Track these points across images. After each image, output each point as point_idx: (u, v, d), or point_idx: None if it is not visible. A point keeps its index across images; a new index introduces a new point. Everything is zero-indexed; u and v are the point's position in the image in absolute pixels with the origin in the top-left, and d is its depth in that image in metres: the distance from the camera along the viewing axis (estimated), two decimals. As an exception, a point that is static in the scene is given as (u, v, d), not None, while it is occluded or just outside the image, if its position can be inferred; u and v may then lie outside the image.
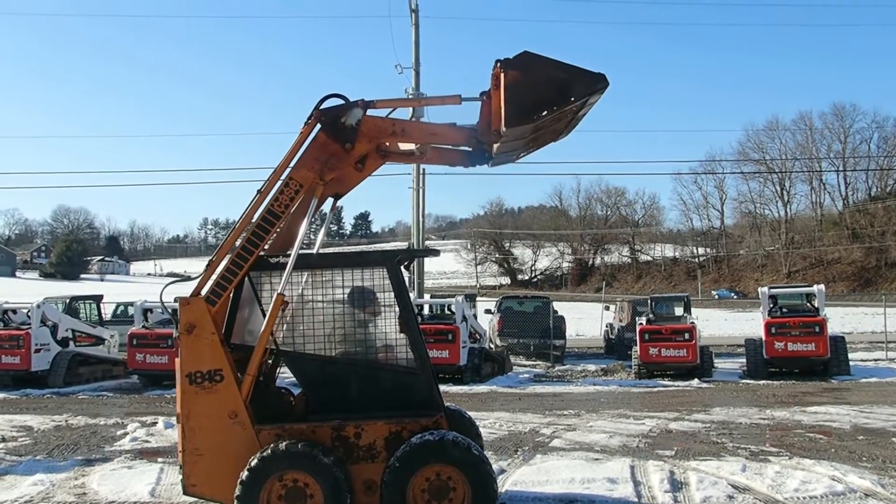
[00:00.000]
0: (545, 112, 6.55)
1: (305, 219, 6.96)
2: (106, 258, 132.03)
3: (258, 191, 6.85)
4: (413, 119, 6.95)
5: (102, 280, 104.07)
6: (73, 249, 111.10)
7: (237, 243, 6.76)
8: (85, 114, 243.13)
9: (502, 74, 6.46)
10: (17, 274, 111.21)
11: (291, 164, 6.82)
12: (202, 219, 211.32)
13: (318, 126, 6.81)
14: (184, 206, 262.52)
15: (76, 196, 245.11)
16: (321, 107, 6.85)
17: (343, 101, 6.90)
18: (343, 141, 6.76)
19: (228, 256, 6.77)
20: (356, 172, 7.03)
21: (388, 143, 7.10)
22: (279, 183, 6.81)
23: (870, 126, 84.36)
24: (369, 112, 6.87)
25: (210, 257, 6.91)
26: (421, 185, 30.58)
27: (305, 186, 6.74)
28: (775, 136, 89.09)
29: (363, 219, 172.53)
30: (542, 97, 6.47)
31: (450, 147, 7.19)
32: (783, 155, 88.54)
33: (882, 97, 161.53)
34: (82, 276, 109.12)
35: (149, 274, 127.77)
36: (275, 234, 6.86)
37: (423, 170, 30.73)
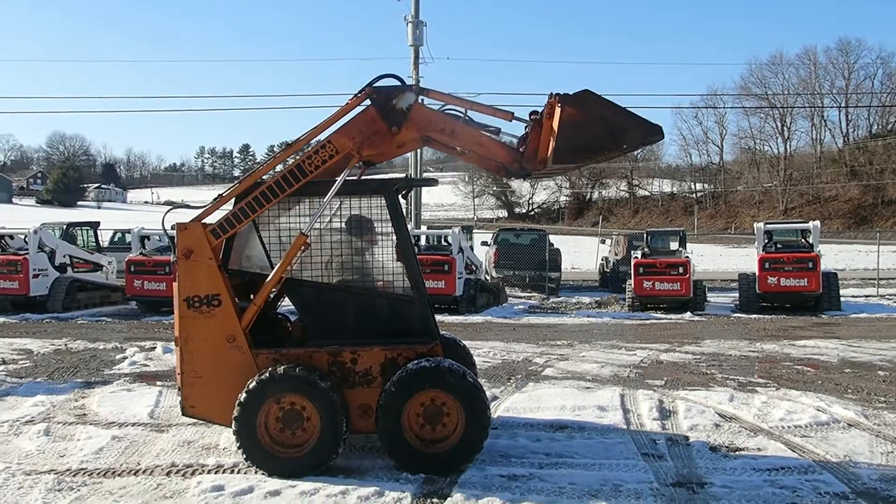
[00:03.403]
0: (595, 155, 6.69)
1: (334, 184, 6.83)
2: (102, 186, 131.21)
3: (288, 143, 6.82)
4: (464, 120, 6.82)
5: (99, 207, 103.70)
6: (70, 176, 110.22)
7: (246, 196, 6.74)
8: (80, 40, 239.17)
9: (559, 108, 6.36)
10: (14, 200, 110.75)
11: (332, 128, 6.76)
12: (199, 147, 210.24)
13: (368, 102, 6.71)
14: (180, 134, 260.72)
15: (71, 122, 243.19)
16: (375, 84, 6.75)
17: (398, 83, 6.82)
18: (391, 123, 6.67)
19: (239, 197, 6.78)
20: (394, 149, 6.97)
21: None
22: (315, 142, 6.76)
23: (874, 62, 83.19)
24: (422, 100, 6.78)
25: (220, 190, 6.89)
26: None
27: (341, 153, 6.66)
28: (778, 71, 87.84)
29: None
30: (595, 140, 6.45)
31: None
32: (785, 90, 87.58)
33: (888, 32, 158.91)
34: (79, 203, 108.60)
35: (146, 202, 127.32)
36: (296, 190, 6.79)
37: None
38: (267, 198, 6.62)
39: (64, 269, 20.59)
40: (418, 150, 29.94)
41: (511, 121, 6.89)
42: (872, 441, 7.53)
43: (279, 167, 7.10)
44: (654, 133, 6.63)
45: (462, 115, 6.86)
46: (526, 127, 6.81)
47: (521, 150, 6.78)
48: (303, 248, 6.61)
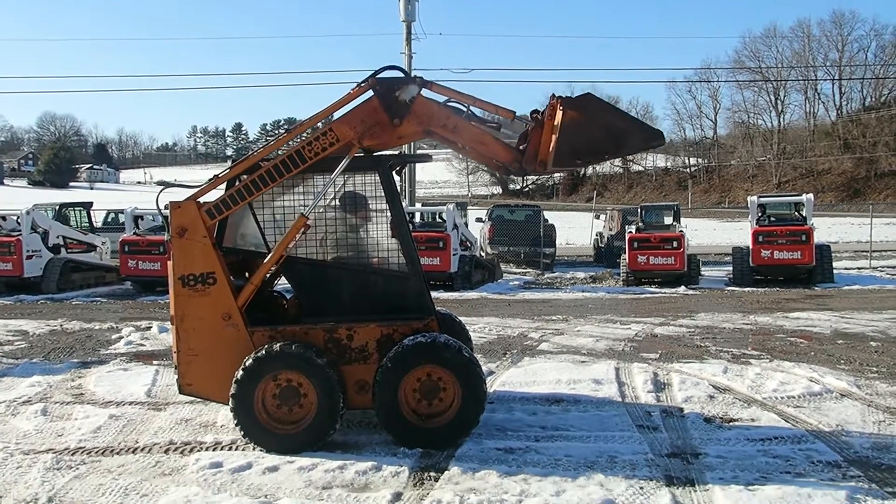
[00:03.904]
0: (595, 159, 6.92)
1: (334, 172, 6.79)
2: (94, 166, 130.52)
3: (286, 129, 6.78)
4: (466, 115, 6.80)
5: (92, 188, 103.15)
6: (61, 157, 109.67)
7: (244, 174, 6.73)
8: (69, 18, 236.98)
9: (560, 111, 6.39)
10: (5, 182, 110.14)
11: (334, 116, 6.72)
12: (191, 126, 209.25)
13: (371, 93, 6.66)
14: (172, 113, 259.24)
15: (62, 103, 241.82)
16: (378, 76, 6.71)
17: (402, 74, 6.78)
18: (393, 115, 6.61)
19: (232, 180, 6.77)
20: (395, 140, 6.94)
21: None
22: (316, 129, 6.72)
23: (868, 34, 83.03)
24: (425, 93, 6.72)
25: (213, 169, 6.89)
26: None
27: (342, 142, 6.63)
28: (772, 45, 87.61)
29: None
30: (596, 144, 6.54)
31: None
32: (779, 64, 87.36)
33: (882, 4, 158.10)
34: (71, 184, 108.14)
35: (139, 182, 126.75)
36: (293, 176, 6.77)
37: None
38: (265, 181, 6.60)
39: (57, 249, 20.54)
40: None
41: (513, 119, 6.92)
42: (864, 411, 7.61)
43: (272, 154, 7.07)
44: (654, 138, 6.75)
45: (465, 110, 6.82)
46: (526, 125, 6.82)
47: (521, 148, 6.78)
48: (303, 229, 6.61)
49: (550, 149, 6.49)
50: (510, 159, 6.81)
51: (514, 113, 6.88)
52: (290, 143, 6.96)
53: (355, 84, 6.76)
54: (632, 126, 6.69)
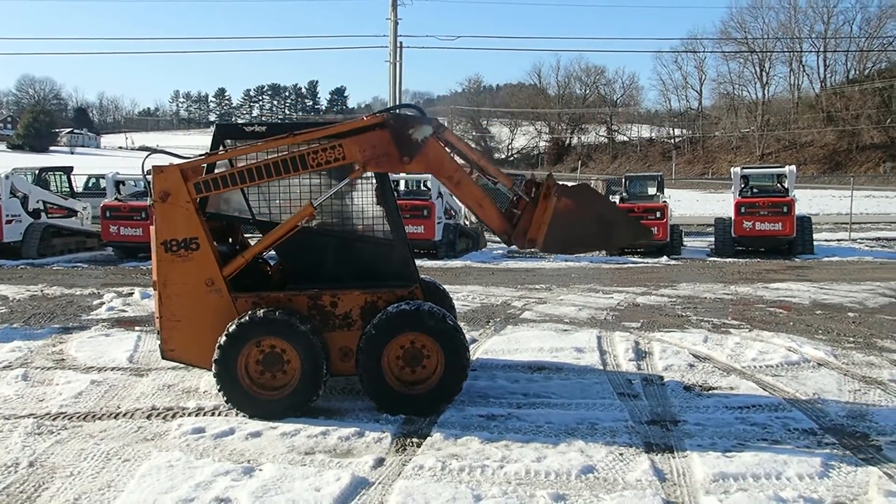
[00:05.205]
0: (584, 249, 7.40)
1: (341, 182, 6.77)
2: (75, 130, 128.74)
3: (292, 133, 6.66)
4: (470, 170, 6.88)
5: (72, 153, 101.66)
6: (41, 121, 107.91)
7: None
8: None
9: (555, 198, 6.60)
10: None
11: (344, 132, 6.63)
12: (173, 91, 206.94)
13: (383, 126, 6.58)
14: (154, 78, 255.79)
15: (41, 65, 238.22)
16: (394, 111, 6.74)
17: (419, 114, 6.80)
18: (403, 152, 6.57)
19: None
20: (398, 170, 6.88)
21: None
22: (326, 140, 6.60)
23: (853, 7, 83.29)
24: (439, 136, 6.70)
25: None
26: (398, 59, 29.91)
27: (347, 160, 6.58)
28: (759, 16, 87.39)
29: (339, 94, 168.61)
30: (586, 235, 6.84)
31: None
32: (765, 35, 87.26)
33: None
34: (51, 148, 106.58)
35: (120, 147, 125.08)
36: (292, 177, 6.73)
37: (401, 43, 30.03)
38: (260, 174, 6.55)
39: (38, 214, 20.34)
40: (397, 92, 29.64)
41: (511, 187, 6.97)
42: (841, 379, 7.73)
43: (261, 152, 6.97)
44: (643, 235, 7.29)
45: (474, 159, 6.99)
46: (524, 185, 6.93)
47: (514, 211, 6.90)
48: (307, 219, 6.58)
49: (542, 233, 6.69)
50: (501, 230, 6.93)
51: (513, 181, 7.04)
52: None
53: (366, 114, 6.85)
54: (622, 220, 7.04)
